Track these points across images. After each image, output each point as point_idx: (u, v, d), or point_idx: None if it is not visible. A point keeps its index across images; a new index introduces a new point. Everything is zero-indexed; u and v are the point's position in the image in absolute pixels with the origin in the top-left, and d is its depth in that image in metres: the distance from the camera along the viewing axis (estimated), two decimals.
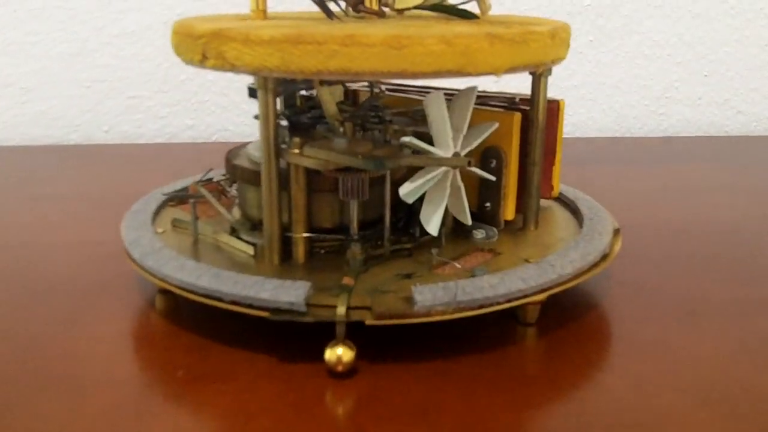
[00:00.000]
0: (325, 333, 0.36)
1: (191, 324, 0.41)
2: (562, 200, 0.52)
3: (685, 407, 0.34)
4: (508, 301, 0.38)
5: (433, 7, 0.46)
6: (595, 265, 0.42)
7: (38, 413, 0.33)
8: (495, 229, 0.45)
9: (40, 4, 0.83)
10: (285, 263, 0.41)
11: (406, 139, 0.39)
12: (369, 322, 0.36)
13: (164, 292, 0.44)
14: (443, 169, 0.40)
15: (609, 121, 0.93)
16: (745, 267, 0.50)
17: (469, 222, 0.43)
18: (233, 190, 0.50)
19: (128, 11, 0.85)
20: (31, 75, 0.85)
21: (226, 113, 0.89)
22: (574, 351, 0.39)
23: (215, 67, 0.38)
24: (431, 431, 0.32)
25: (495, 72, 0.38)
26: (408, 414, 0.33)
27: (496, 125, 0.43)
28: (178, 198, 0.51)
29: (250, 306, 0.36)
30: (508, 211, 0.47)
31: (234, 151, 0.47)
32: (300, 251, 0.41)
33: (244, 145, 0.48)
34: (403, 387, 0.35)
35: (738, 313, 0.43)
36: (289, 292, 0.36)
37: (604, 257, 0.43)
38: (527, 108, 0.46)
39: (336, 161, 0.38)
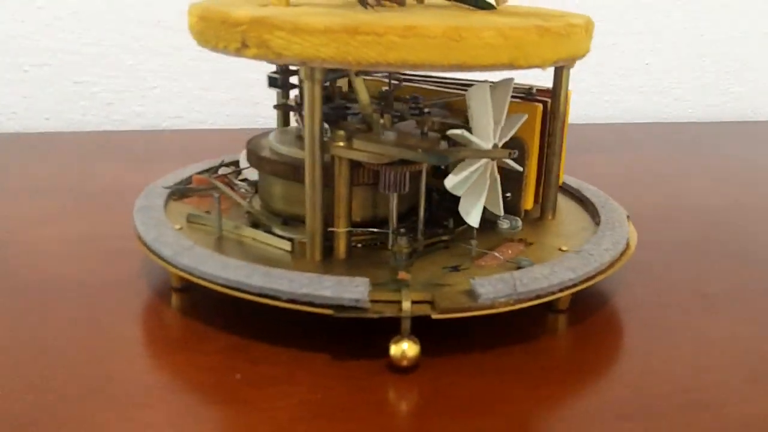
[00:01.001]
0: (370, 328, 0.36)
1: (221, 323, 0.39)
2: (566, 189, 0.53)
3: (726, 383, 0.35)
4: (561, 290, 0.38)
5: None
6: (624, 252, 0.43)
7: (94, 426, 0.31)
8: (519, 219, 0.46)
9: None
10: (326, 259, 0.40)
11: (457, 132, 0.39)
12: (435, 316, 0.35)
13: (181, 290, 0.43)
14: (484, 160, 0.40)
15: None
16: (740, 251, 0.53)
17: (501, 213, 0.44)
18: (241, 183, 0.49)
19: None
20: None
21: (177, 99, 0.86)
22: (606, 336, 0.40)
23: (256, 57, 0.37)
24: (500, 422, 0.32)
25: (542, 65, 0.38)
26: (474, 406, 0.33)
27: (526, 117, 0.43)
28: (181, 192, 0.49)
29: (310, 304, 0.35)
30: (528, 201, 0.47)
31: (255, 141, 0.45)
32: (341, 246, 0.40)
33: (264, 134, 0.47)
34: (462, 380, 0.35)
35: (745, 295, 0.45)
36: (351, 289, 0.35)
37: (628, 245, 0.44)
38: (545, 99, 0.46)
39: (392, 154, 0.37)
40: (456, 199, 0.42)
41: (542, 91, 0.47)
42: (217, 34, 0.38)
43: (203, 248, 0.39)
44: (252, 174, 0.48)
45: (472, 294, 0.36)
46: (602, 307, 0.43)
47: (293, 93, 0.50)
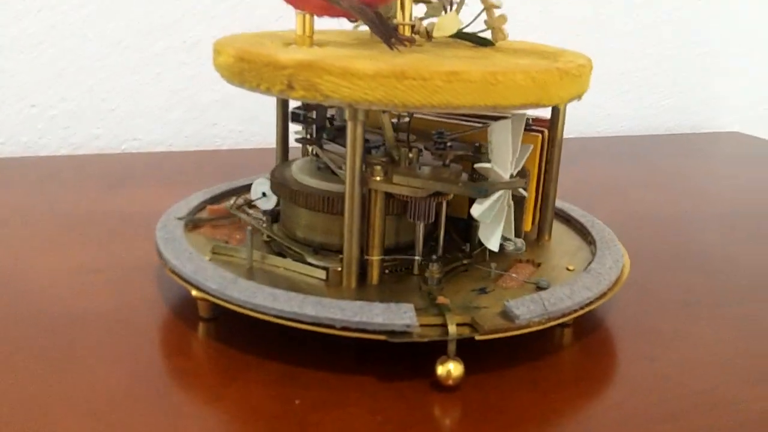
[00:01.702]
0: (411, 349, 0.39)
1: (260, 352, 0.41)
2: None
3: (729, 383, 0.40)
4: (581, 308, 0.42)
5: (458, 35, 0.49)
6: (623, 269, 0.47)
7: None
8: (522, 241, 0.49)
9: None
10: (360, 286, 0.42)
11: (485, 165, 0.42)
12: (479, 337, 0.38)
13: (209, 320, 0.44)
14: (504, 190, 0.44)
15: None
16: (707, 259, 0.58)
17: (513, 236, 0.47)
18: (252, 212, 0.50)
19: (27, 11, 0.79)
20: None
21: (135, 121, 0.86)
22: (609, 347, 0.44)
23: (302, 98, 0.39)
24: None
25: (560, 102, 0.42)
26: (526, 418, 0.37)
27: (532, 147, 0.47)
28: (195, 222, 0.50)
29: (362, 331, 0.38)
30: (528, 223, 0.51)
31: (279, 174, 0.47)
32: (374, 273, 0.43)
33: (285, 165, 0.48)
34: (505, 394, 0.38)
35: (721, 301, 0.51)
36: (401, 315, 0.38)
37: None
38: (541, 129, 0.50)
39: (432, 188, 0.40)
40: (464, 224, 0.45)
41: (537, 121, 0.51)
42: (260, 75, 0.40)
43: (246, 280, 0.41)
44: (265, 204, 0.50)
45: (508, 315, 0.39)
46: (599, 319, 0.47)
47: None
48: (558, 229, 0.54)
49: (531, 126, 0.51)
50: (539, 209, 0.51)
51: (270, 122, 0.90)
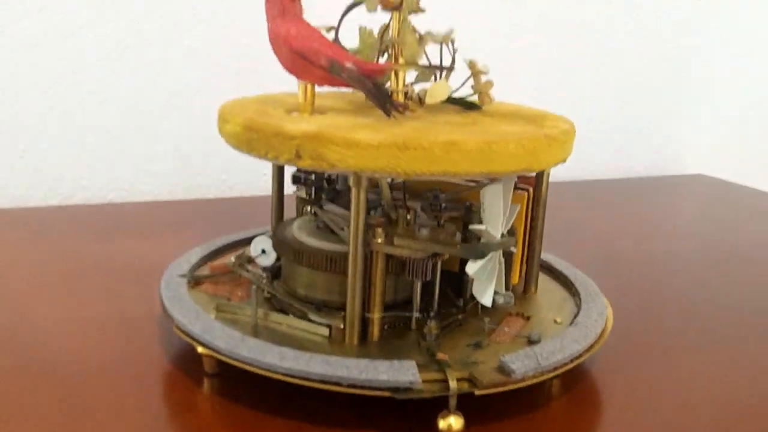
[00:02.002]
0: (410, 403, 0.41)
1: (267, 408, 0.42)
2: None
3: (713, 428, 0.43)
4: (571, 361, 0.44)
5: (449, 100, 0.51)
6: (607, 320, 0.50)
7: None
8: (511, 294, 0.52)
9: None
10: (362, 343, 0.44)
11: (480, 227, 0.44)
12: (479, 392, 0.41)
13: (213, 375, 0.46)
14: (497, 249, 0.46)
15: None
16: (682, 302, 0.61)
17: (503, 290, 0.49)
18: (252, 268, 0.52)
19: (16, 63, 0.80)
20: None
21: (122, 171, 0.87)
22: (599, 395, 0.47)
23: (309, 167, 0.41)
24: None
25: (547, 167, 0.45)
26: None
27: (519, 207, 0.50)
28: (197, 279, 0.52)
29: (368, 388, 0.40)
30: (515, 276, 0.53)
31: (280, 233, 0.49)
32: (376, 330, 0.45)
33: (286, 225, 0.50)
34: None
35: (699, 345, 0.54)
36: (404, 372, 0.40)
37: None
38: (526, 187, 0.53)
39: (432, 250, 0.43)
40: (457, 278, 0.48)
41: (522, 179, 0.54)
42: (269, 144, 0.42)
43: (254, 339, 0.43)
44: (264, 260, 0.52)
45: (505, 370, 0.42)
46: (586, 369, 0.50)
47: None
48: (543, 280, 0.57)
49: (517, 185, 0.54)
50: (526, 263, 0.54)
51: (252, 170, 0.92)
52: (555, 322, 0.49)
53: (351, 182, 0.42)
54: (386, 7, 0.46)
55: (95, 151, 0.85)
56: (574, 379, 0.48)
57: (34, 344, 0.48)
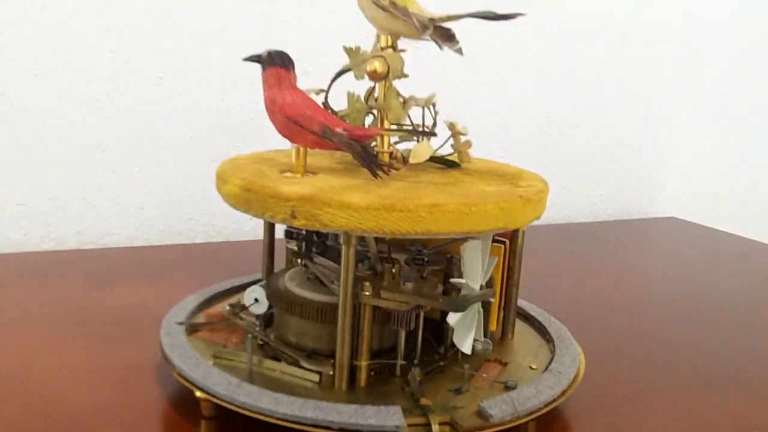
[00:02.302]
0: None
1: None
2: None
3: None
4: (546, 405, 0.48)
5: (431, 159, 0.55)
6: (579, 366, 0.54)
7: None
8: (489, 341, 0.55)
9: None
10: (350, 388, 0.48)
11: (460, 280, 0.48)
12: None
13: (210, 418, 0.49)
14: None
15: None
16: (651, 347, 0.65)
17: (483, 338, 0.53)
18: (245, 315, 0.55)
19: (16, 120, 0.84)
20: None
21: (114, 217, 0.90)
22: None
23: (304, 226, 0.45)
24: None
25: (522, 225, 0.49)
26: None
27: (497, 259, 0.54)
28: (194, 327, 0.55)
29: (357, 431, 0.43)
30: (493, 323, 0.57)
31: (273, 284, 0.52)
32: (363, 376, 0.48)
33: (278, 275, 0.54)
34: None
35: (667, 389, 0.57)
36: (391, 417, 0.43)
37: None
38: (503, 240, 0.57)
39: (416, 303, 0.46)
40: (438, 325, 0.51)
41: (499, 233, 0.58)
42: (265, 205, 0.45)
43: (251, 385, 0.46)
44: (257, 308, 0.55)
45: (483, 415, 0.45)
46: (559, 412, 0.53)
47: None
48: (519, 326, 0.60)
49: (495, 237, 0.57)
50: (503, 310, 0.58)
51: (237, 217, 0.96)
52: (530, 368, 0.52)
53: (342, 240, 0.45)
54: (373, 78, 0.50)
55: (88, 198, 0.88)
56: (549, 422, 0.51)
57: (36, 392, 0.51)
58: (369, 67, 0.49)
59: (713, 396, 0.57)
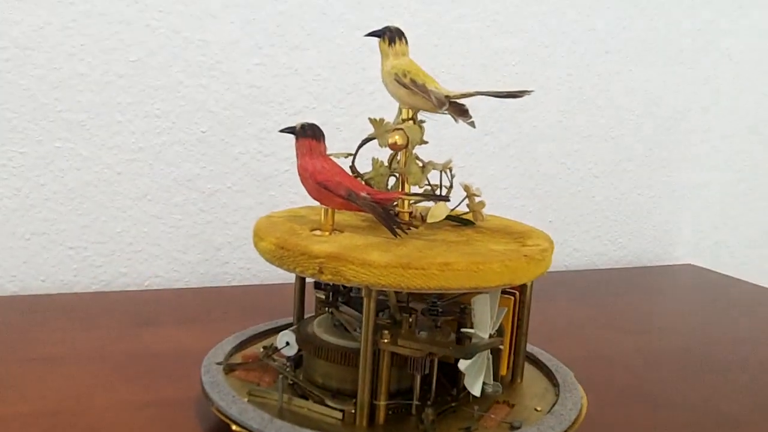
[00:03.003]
0: None
1: None
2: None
3: None
4: None
5: (449, 217, 0.61)
6: (581, 410, 0.59)
7: None
8: (499, 384, 0.60)
9: None
10: (370, 425, 0.53)
11: (470, 330, 0.54)
12: None
13: None
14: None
15: None
16: (658, 395, 0.69)
17: (492, 382, 0.58)
18: (277, 357, 0.61)
19: (68, 170, 0.91)
20: None
21: (157, 261, 0.97)
22: None
23: (330, 281, 0.51)
24: None
25: (527, 281, 0.54)
26: None
27: (506, 310, 0.59)
28: (231, 367, 0.61)
29: None
30: (503, 368, 0.62)
31: (303, 330, 0.58)
32: (381, 415, 0.54)
33: (307, 322, 0.60)
34: None
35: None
36: None
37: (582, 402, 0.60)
38: (514, 291, 0.62)
39: (428, 350, 0.52)
40: (452, 369, 0.56)
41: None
42: (296, 261, 0.52)
43: (281, 421, 0.51)
44: (288, 351, 0.61)
45: None
46: None
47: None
48: (529, 371, 0.65)
49: (506, 289, 0.63)
50: (513, 356, 0.63)
51: None
52: (536, 410, 0.57)
53: (363, 293, 0.51)
54: (394, 149, 0.56)
55: (134, 243, 0.95)
56: None
57: (88, 426, 0.57)
58: (390, 140, 0.55)
59: None
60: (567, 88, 1.16)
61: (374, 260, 0.49)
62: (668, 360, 0.80)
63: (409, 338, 0.52)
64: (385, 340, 0.52)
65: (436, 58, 1.06)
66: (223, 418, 0.54)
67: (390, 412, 0.55)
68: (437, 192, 0.63)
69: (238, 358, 0.63)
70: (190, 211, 0.98)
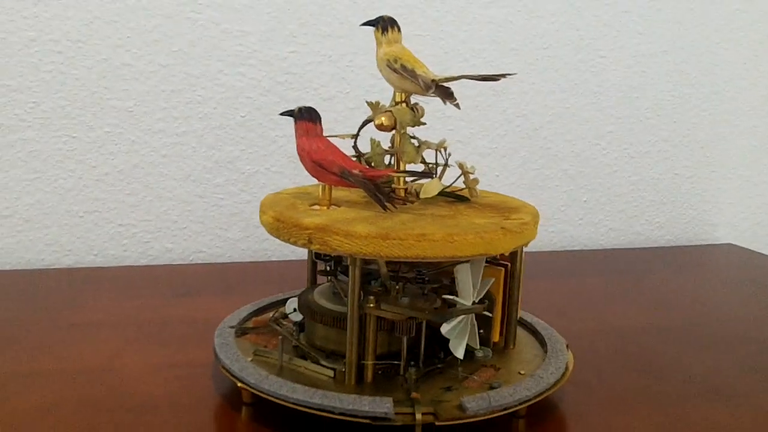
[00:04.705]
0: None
1: (288, 429, 0.56)
2: (522, 322, 0.72)
3: None
4: (521, 404, 0.57)
5: (441, 193, 0.65)
6: (564, 374, 0.62)
7: None
8: (489, 350, 0.64)
9: (40, 147, 0.96)
10: (358, 383, 0.58)
11: (449, 297, 0.58)
12: (438, 423, 0.53)
13: (250, 404, 0.60)
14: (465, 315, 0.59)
15: None
16: (650, 366, 0.72)
17: (478, 347, 0.62)
18: (286, 323, 0.67)
19: (117, 153, 0.99)
20: (31, 207, 0.97)
21: (201, 237, 1.04)
22: None
23: (318, 250, 0.56)
24: None
25: (505, 252, 0.58)
26: None
27: (493, 281, 0.63)
28: (243, 331, 0.67)
29: (354, 416, 0.53)
30: (495, 335, 0.66)
31: (304, 297, 0.64)
32: (369, 374, 0.58)
33: (309, 290, 0.65)
34: None
35: (661, 401, 0.64)
36: (382, 406, 0.53)
37: (566, 368, 0.63)
38: (506, 263, 0.66)
39: (408, 314, 0.56)
40: (442, 336, 0.61)
41: (504, 255, 0.67)
42: (289, 232, 0.57)
43: (275, 377, 0.57)
44: (295, 316, 0.66)
45: (462, 408, 0.54)
46: (551, 413, 0.62)
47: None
48: (525, 339, 0.69)
49: (498, 260, 0.67)
50: (505, 324, 0.67)
51: None
52: (519, 373, 0.61)
53: (348, 262, 0.56)
54: (381, 130, 0.60)
55: (178, 220, 1.02)
56: (539, 421, 0.59)
57: (117, 381, 0.64)
58: (377, 121, 0.60)
59: (706, 409, 0.64)
60: (600, 69, 1.18)
61: (357, 231, 0.54)
62: (684, 336, 0.81)
63: (392, 303, 0.57)
64: (371, 305, 0.57)
65: (465, 43, 1.09)
66: (228, 375, 0.60)
67: (379, 372, 0.60)
68: (436, 170, 0.67)
69: (252, 324, 0.69)
70: (231, 191, 1.04)
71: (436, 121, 1.04)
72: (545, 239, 1.19)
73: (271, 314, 0.68)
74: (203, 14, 0.98)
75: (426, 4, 1.07)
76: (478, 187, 0.68)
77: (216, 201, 1.04)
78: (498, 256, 0.67)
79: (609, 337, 0.80)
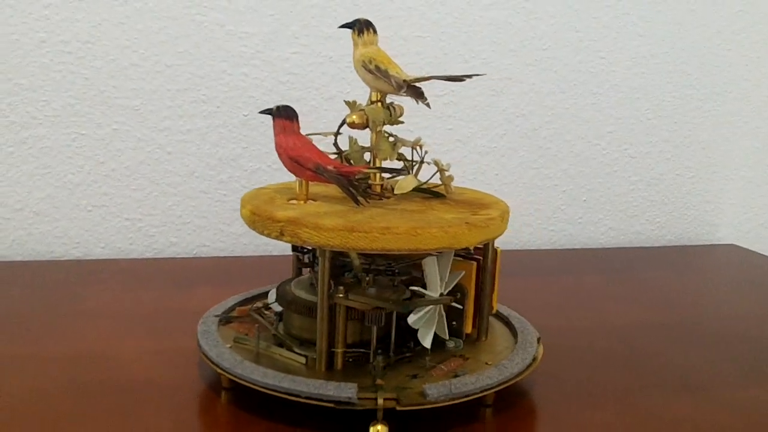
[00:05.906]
0: (358, 416, 0.56)
1: (263, 413, 0.59)
2: (499, 315, 0.74)
3: None
4: (482, 391, 0.59)
5: (417, 189, 0.68)
6: (530, 365, 0.64)
7: None
8: (461, 340, 0.67)
9: (50, 143, 1.00)
10: (329, 370, 0.61)
11: (416, 288, 0.60)
12: (399, 408, 0.56)
13: (228, 389, 0.63)
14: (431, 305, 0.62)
15: (509, 235, 1.18)
16: (629, 362, 0.74)
17: (447, 337, 0.65)
18: (266, 313, 0.70)
19: (125, 150, 1.03)
20: (41, 201, 1.01)
21: (204, 232, 1.08)
22: (522, 423, 0.61)
23: (289, 242, 0.59)
24: None
25: (470, 246, 0.60)
26: None
27: (463, 273, 0.65)
28: (227, 319, 0.70)
29: (319, 399, 0.56)
30: (468, 327, 0.68)
31: (282, 287, 0.66)
32: (339, 361, 0.61)
33: (288, 281, 0.68)
34: None
35: (629, 394, 0.66)
36: (346, 391, 0.56)
37: (534, 359, 0.66)
38: (478, 257, 0.68)
39: (374, 304, 0.59)
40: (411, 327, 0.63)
41: (478, 250, 0.69)
42: (264, 224, 0.60)
43: (249, 362, 0.60)
44: (276, 307, 0.69)
45: (423, 394, 0.57)
46: (519, 402, 0.64)
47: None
48: (500, 330, 0.71)
49: (472, 255, 0.69)
50: (477, 317, 0.69)
51: None
52: (486, 363, 0.64)
53: (318, 253, 0.59)
54: (353, 127, 0.63)
55: (183, 215, 1.06)
56: (505, 410, 0.62)
57: (112, 366, 0.67)
58: (348, 120, 0.63)
59: (677, 402, 0.65)
60: (600, 70, 1.19)
61: (325, 224, 0.57)
62: (674, 334, 0.82)
63: (359, 293, 0.60)
64: (340, 295, 0.60)
65: (466, 45, 1.12)
66: (207, 361, 0.63)
67: (350, 360, 0.62)
68: (413, 167, 0.69)
69: (236, 313, 0.72)
70: (234, 187, 1.08)
71: (436, 120, 1.07)
72: (544, 238, 1.21)
73: (252, 305, 0.71)
74: (208, 16, 1.02)
75: (426, 6, 1.09)
76: (454, 183, 0.70)
77: (219, 197, 1.07)
78: (472, 250, 0.69)
79: (594, 333, 0.81)
